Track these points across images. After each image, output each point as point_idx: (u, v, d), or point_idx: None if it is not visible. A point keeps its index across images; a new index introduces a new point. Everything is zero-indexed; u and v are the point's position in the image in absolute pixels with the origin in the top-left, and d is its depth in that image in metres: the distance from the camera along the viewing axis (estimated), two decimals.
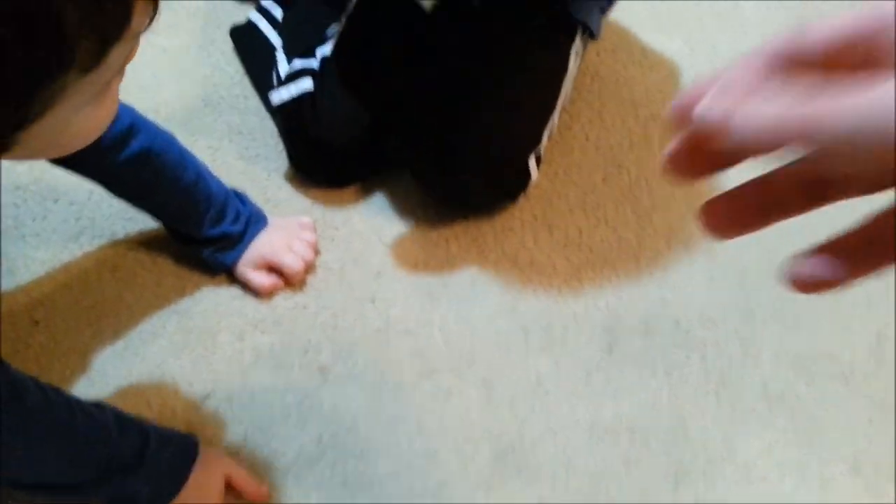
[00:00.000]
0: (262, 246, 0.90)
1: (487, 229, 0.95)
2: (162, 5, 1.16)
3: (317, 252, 0.93)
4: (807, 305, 0.89)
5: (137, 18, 0.49)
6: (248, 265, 0.90)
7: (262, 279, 0.90)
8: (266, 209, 0.98)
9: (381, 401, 0.84)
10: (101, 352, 0.85)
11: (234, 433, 0.82)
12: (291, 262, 0.90)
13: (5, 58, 0.41)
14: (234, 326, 0.88)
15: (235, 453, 0.80)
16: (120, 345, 0.86)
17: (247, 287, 0.90)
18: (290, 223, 0.94)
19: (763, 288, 0.91)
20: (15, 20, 0.40)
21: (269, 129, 1.05)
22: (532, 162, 0.91)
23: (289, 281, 0.91)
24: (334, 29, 1.00)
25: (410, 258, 0.94)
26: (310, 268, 0.92)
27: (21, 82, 0.43)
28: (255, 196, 0.98)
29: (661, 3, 1.15)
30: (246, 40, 1.14)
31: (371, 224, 0.96)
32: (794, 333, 0.88)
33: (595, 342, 0.87)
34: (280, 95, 0.97)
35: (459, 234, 0.95)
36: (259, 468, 0.80)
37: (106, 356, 0.85)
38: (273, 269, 0.90)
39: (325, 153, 0.94)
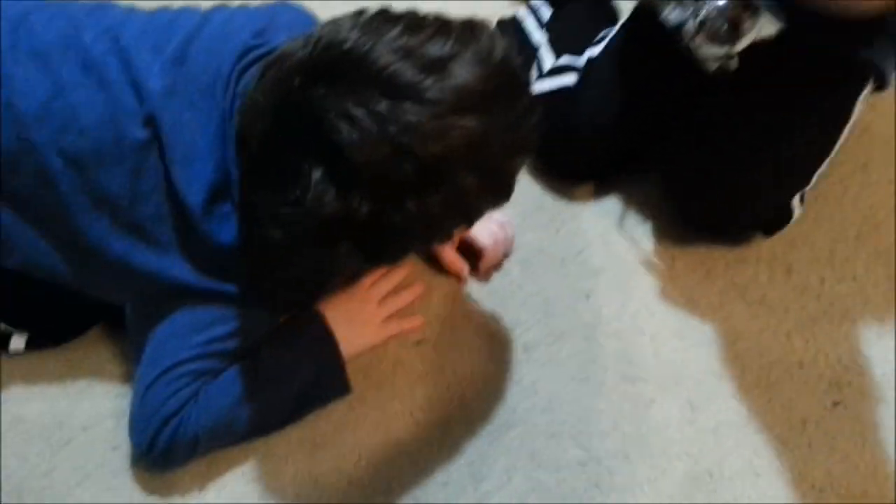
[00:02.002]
0: None
1: (718, 255, 0.92)
2: None
3: (507, 253, 0.92)
4: None
5: None
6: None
7: (453, 258, 0.90)
8: None
9: (581, 392, 0.83)
10: None
11: (441, 389, 0.84)
12: (484, 239, 0.89)
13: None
14: (447, 285, 0.91)
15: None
16: None
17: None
18: None
19: None
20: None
21: None
22: (796, 201, 0.88)
23: (484, 263, 0.90)
24: (604, 34, 1.02)
25: (631, 265, 0.93)
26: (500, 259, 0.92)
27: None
28: None
29: None
30: (510, 33, 1.19)
31: (599, 224, 0.96)
32: None
33: (818, 395, 0.82)
34: (542, 86, 1.00)
35: (688, 252, 0.93)
36: (453, 425, 0.82)
37: None
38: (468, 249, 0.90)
39: (575, 144, 0.96)
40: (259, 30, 0.74)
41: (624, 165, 1.00)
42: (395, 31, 0.59)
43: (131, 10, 0.78)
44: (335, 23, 0.61)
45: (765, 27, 0.79)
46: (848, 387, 0.82)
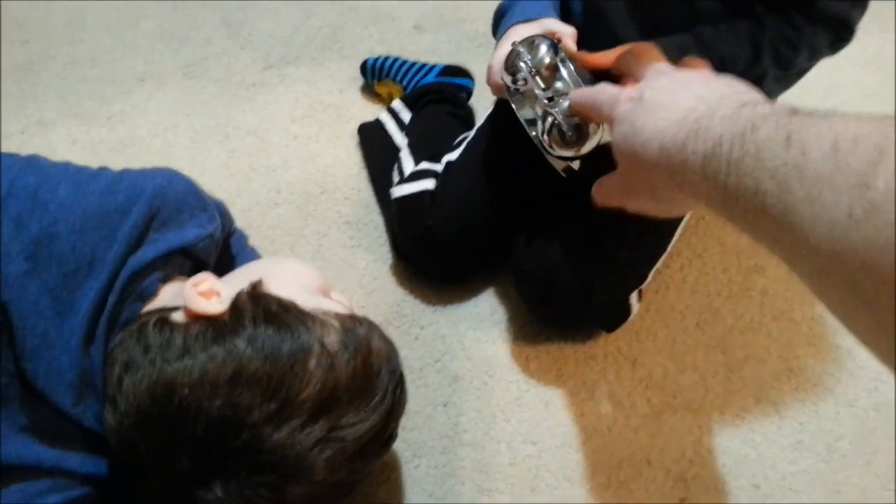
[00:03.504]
0: None
1: (569, 353, 0.94)
2: (301, 95, 1.26)
3: None
4: None
5: None
6: None
7: None
8: (359, 297, 1.02)
9: None
10: None
11: None
12: None
13: None
14: None
15: None
16: None
17: None
18: None
19: (853, 466, 0.85)
20: None
21: (374, 223, 1.10)
22: (634, 297, 0.91)
23: None
24: (462, 138, 1.06)
25: (488, 370, 0.94)
26: None
27: None
28: (351, 283, 1.03)
29: None
30: (371, 137, 1.22)
31: (456, 329, 0.98)
32: None
33: (665, 492, 0.83)
34: (402, 190, 1.02)
35: (541, 353, 0.95)
36: None
37: None
38: None
39: (432, 245, 0.98)
40: (145, 217, 0.68)
41: (482, 265, 1.02)
42: (299, 417, 0.59)
43: None
44: (241, 390, 0.59)
45: (607, 133, 0.83)
46: (693, 481, 0.84)
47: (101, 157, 1.20)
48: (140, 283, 0.66)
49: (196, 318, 0.62)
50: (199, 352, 0.59)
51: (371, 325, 0.67)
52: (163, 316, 0.64)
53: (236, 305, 0.63)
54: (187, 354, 0.59)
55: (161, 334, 0.61)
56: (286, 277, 0.67)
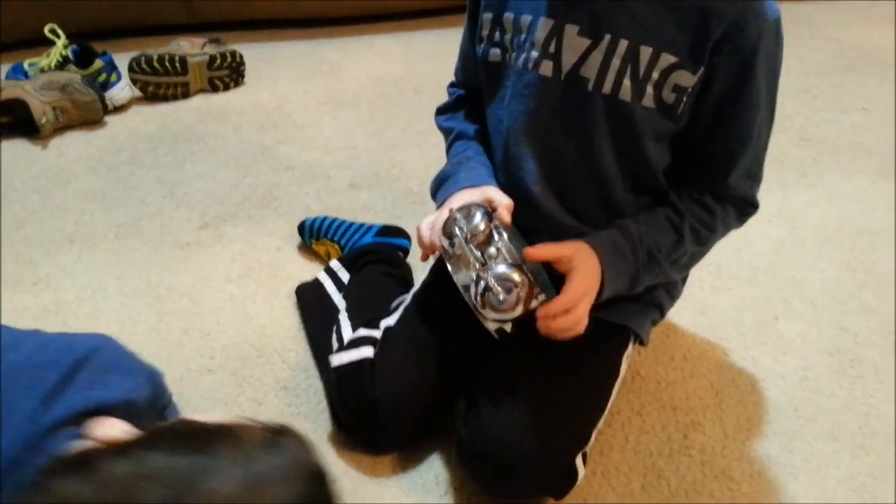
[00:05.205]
0: None
1: None
2: (238, 255, 1.26)
3: None
4: None
5: None
6: None
7: None
8: None
9: None
10: None
11: None
12: None
13: None
14: None
15: None
16: None
17: None
18: None
19: None
20: None
21: (313, 388, 1.08)
22: (579, 461, 0.91)
23: None
24: (399, 301, 1.07)
25: None
26: None
27: None
28: None
29: (704, 311, 1.21)
30: (310, 298, 1.21)
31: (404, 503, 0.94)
32: None
33: None
34: (340, 359, 1.00)
35: None
36: None
37: None
38: None
39: (374, 415, 0.96)
40: (70, 371, 0.66)
41: (426, 433, 1.00)
42: None
43: None
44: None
45: (536, 299, 0.86)
46: None
47: (24, 325, 1.14)
48: (50, 439, 0.61)
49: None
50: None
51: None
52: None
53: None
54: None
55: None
56: None
